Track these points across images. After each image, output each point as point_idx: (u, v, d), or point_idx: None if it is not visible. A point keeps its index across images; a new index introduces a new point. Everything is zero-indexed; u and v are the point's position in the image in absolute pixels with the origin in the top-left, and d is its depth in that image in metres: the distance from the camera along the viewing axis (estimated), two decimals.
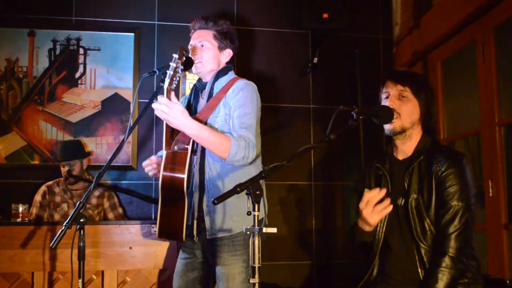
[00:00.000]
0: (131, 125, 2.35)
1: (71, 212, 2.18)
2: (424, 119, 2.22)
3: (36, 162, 3.83)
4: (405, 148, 2.24)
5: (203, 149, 2.41)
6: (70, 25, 3.92)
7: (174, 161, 2.34)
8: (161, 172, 2.34)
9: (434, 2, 3.69)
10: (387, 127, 2.21)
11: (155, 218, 2.97)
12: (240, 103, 2.38)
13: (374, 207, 2.06)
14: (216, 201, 1.81)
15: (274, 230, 1.83)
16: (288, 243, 3.95)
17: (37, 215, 3.60)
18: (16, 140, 3.81)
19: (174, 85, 2.22)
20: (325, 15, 3.76)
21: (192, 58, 2.44)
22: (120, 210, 3.77)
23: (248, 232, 1.83)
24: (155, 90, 2.36)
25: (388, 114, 2.16)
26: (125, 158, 3.89)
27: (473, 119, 3.35)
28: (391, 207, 2.06)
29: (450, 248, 2.01)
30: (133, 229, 2.93)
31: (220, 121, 2.43)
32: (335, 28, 3.88)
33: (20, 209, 3.11)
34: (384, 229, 2.19)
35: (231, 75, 2.55)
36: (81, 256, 2.18)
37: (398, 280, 2.16)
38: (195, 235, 2.44)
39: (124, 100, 3.95)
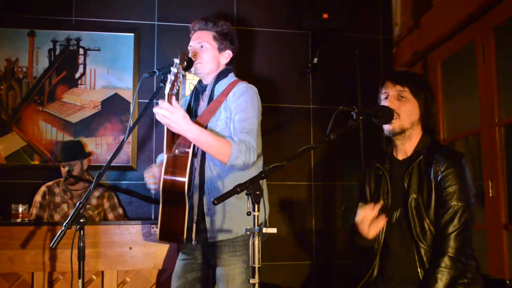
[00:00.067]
0: (131, 125, 2.35)
1: (71, 212, 2.18)
2: (423, 119, 2.22)
3: (36, 162, 3.83)
4: (405, 148, 2.24)
5: (204, 152, 2.41)
6: (70, 25, 3.92)
7: (175, 165, 2.35)
8: (162, 176, 2.35)
9: (434, 2, 3.69)
10: (386, 127, 2.21)
11: (155, 219, 2.98)
12: (241, 107, 2.38)
13: (370, 223, 2.06)
14: (216, 201, 1.81)
15: (274, 230, 1.83)
16: (288, 243, 3.95)
17: (37, 216, 3.60)
18: (16, 140, 3.81)
19: (175, 90, 2.22)
20: (325, 15, 3.76)
21: (193, 59, 2.44)
22: (120, 210, 3.76)
23: (248, 233, 1.83)
24: (155, 90, 2.36)
25: (388, 114, 2.16)
26: (125, 158, 3.89)
27: (473, 119, 3.35)
28: (385, 220, 2.07)
29: (449, 248, 2.01)
30: (133, 230, 2.93)
31: (221, 124, 2.43)
32: (335, 28, 3.88)
33: (20, 209, 3.11)
34: (384, 230, 2.19)
35: (231, 77, 2.55)
36: (81, 257, 2.18)
37: (398, 280, 2.16)
38: (193, 238, 2.43)
39: (124, 101, 3.95)
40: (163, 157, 2.44)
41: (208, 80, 2.54)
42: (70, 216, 2.14)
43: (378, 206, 2.06)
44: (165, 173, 2.35)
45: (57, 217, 3.62)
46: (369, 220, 2.06)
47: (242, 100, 2.40)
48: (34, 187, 3.70)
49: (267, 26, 4.13)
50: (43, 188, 3.67)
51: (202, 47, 2.50)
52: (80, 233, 2.18)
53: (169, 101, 2.19)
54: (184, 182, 2.32)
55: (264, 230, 1.80)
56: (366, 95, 3.75)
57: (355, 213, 2.16)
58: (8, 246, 2.82)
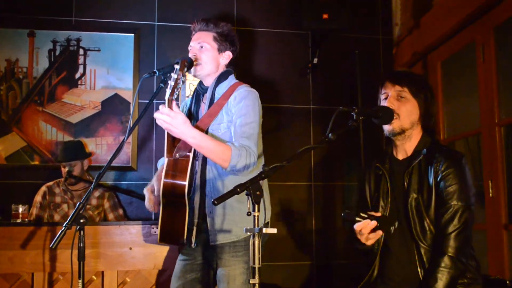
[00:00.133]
0: (131, 125, 2.36)
1: (71, 212, 2.18)
2: (423, 119, 2.22)
3: (36, 162, 3.83)
4: (405, 148, 2.24)
5: None
6: (70, 25, 3.92)
7: (175, 168, 2.35)
8: (162, 179, 2.36)
9: (434, 2, 3.69)
10: (386, 128, 2.21)
11: (155, 219, 2.98)
12: (242, 111, 2.39)
13: (368, 235, 2.05)
14: (216, 202, 1.81)
15: (274, 230, 1.83)
16: (288, 243, 3.95)
17: (37, 216, 3.60)
18: (16, 141, 3.81)
19: (176, 95, 2.23)
20: (325, 16, 3.76)
21: (193, 60, 2.44)
22: (120, 211, 3.77)
23: (248, 233, 1.83)
24: (155, 90, 2.36)
25: (388, 114, 2.16)
26: (125, 158, 3.89)
27: (473, 119, 3.35)
28: (381, 233, 2.05)
29: (449, 248, 2.01)
30: (133, 230, 2.93)
31: (223, 128, 2.43)
32: (335, 29, 3.88)
33: (20, 209, 3.11)
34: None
35: (231, 79, 2.55)
36: (81, 257, 2.19)
37: (398, 280, 2.16)
38: (193, 241, 2.43)
39: (124, 101, 3.95)
40: (163, 161, 2.44)
41: (208, 82, 2.54)
42: (70, 217, 2.15)
43: (374, 223, 2.03)
44: (166, 176, 2.35)
45: (57, 217, 3.62)
46: (366, 233, 2.05)
47: (243, 105, 2.40)
48: (34, 187, 3.70)
49: (267, 27, 4.13)
50: (43, 188, 3.67)
51: (202, 47, 2.50)
52: (80, 233, 2.18)
53: (170, 106, 2.20)
54: (184, 186, 2.32)
55: (264, 230, 1.80)
56: (366, 95, 3.75)
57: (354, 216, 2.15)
58: (8, 247, 2.83)
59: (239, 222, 2.39)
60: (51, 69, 3.90)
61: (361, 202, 2.34)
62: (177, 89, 2.24)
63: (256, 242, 1.80)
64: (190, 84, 3.92)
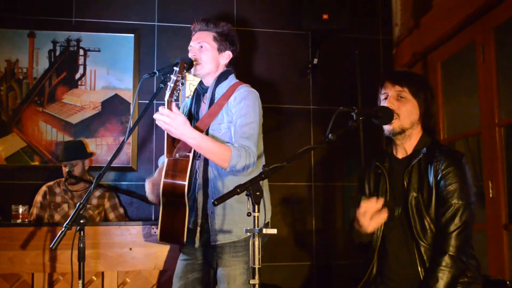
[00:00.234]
0: (131, 126, 2.36)
1: (72, 212, 2.18)
2: (423, 119, 2.22)
3: (36, 163, 3.83)
4: (405, 147, 2.24)
5: None
6: (70, 26, 3.92)
7: (175, 168, 2.36)
8: (162, 179, 2.36)
9: (434, 2, 3.69)
10: (386, 127, 2.21)
11: (156, 219, 2.98)
12: (242, 112, 2.39)
13: (371, 217, 2.06)
14: (216, 202, 1.81)
15: (274, 231, 1.83)
16: (288, 244, 3.95)
17: (37, 216, 3.61)
18: (16, 141, 3.81)
19: (175, 97, 2.24)
20: (325, 16, 3.76)
21: (193, 60, 2.44)
22: (121, 210, 3.77)
23: (248, 233, 1.83)
24: (155, 91, 2.36)
25: (388, 114, 2.16)
26: (125, 159, 3.89)
27: (473, 119, 3.35)
28: (386, 215, 2.06)
29: (450, 247, 2.00)
30: (134, 230, 2.93)
31: (224, 128, 2.43)
32: (335, 29, 3.88)
33: (20, 210, 3.11)
34: (382, 227, 2.20)
35: (231, 79, 2.55)
36: (81, 257, 2.19)
37: (397, 279, 2.16)
38: (196, 241, 2.44)
39: (124, 101, 3.95)
40: (164, 159, 2.45)
41: (208, 81, 2.54)
42: (70, 217, 2.15)
43: (381, 201, 2.06)
44: (166, 176, 2.36)
45: (57, 217, 3.62)
46: (371, 213, 2.06)
47: (244, 105, 2.40)
48: (34, 188, 3.70)
49: (267, 27, 4.13)
50: (44, 188, 3.67)
51: (201, 47, 2.50)
52: (80, 234, 2.18)
53: (169, 107, 2.20)
54: (184, 186, 2.33)
55: (265, 231, 1.80)
56: (366, 95, 3.75)
57: (355, 207, 2.15)
58: (8, 247, 2.83)
59: (239, 222, 2.39)
60: (51, 70, 3.90)
61: (364, 196, 2.34)
62: (177, 91, 2.24)
63: (256, 243, 1.80)
64: (190, 84, 3.92)
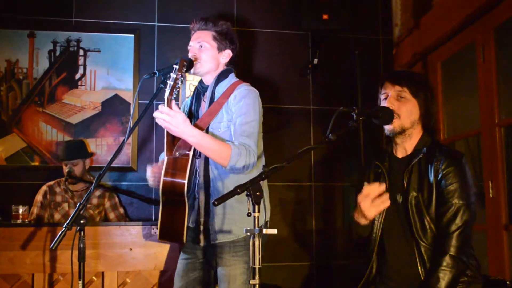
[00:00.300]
0: (131, 126, 2.36)
1: (72, 211, 2.18)
2: (424, 118, 2.22)
3: (36, 163, 3.83)
4: (405, 146, 2.24)
5: None
6: (70, 26, 3.92)
7: (175, 167, 2.35)
8: (162, 177, 2.36)
9: (434, 2, 3.69)
10: (387, 127, 2.21)
11: (156, 220, 2.98)
12: (242, 110, 2.39)
13: (372, 201, 2.06)
14: (216, 202, 1.81)
15: (274, 231, 1.83)
16: (288, 244, 3.95)
17: (38, 215, 3.61)
18: (16, 142, 3.81)
19: (175, 95, 2.23)
20: (325, 16, 3.76)
21: (193, 60, 2.44)
22: (121, 210, 3.77)
23: (248, 234, 1.83)
24: (155, 91, 2.36)
25: (388, 115, 2.16)
26: (125, 159, 3.89)
27: (473, 119, 3.35)
28: (388, 202, 2.06)
29: (451, 247, 2.00)
30: (134, 231, 2.93)
31: (224, 127, 2.43)
32: (335, 29, 3.88)
33: (20, 210, 3.11)
34: (381, 226, 2.20)
35: (231, 78, 2.55)
36: (81, 258, 2.19)
37: (397, 279, 2.16)
38: (201, 239, 2.44)
39: (124, 101, 3.95)
40: (164, 156, 2.45)
41: (208, 80, 2.54)
42: (70, 217, 2.15)
43: (384, 185, 2.05)
44: (165, 174, 2.36)
45: (57, 216, 3.62)
46: (373, 196, 2.05)
47: (244, 103, 2.40)
48: (34, 188, 3.70)
49: (267, 27, 4.13)
50: (44, 187, 3.68)
51: (201, 46, 2.50)
52: (80, 234, 2.19)
53: (169, 106, 2.20)
54: (183, 184, 2.32)
55: (265, 231, 1.80)
56: (366, 95, 3.75)
57: (353, 206, 2.15)
58: (8, 247, 2.83)
59: (239, 221, 2.39)
60: (51, 70, 3.90)
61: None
62: (176, 89, 2.24)
63: (256, 243, 1.80)
64: (190, 84, 3.92)
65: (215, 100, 2.47)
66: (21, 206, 3.12)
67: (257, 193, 1.80)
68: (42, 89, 3.87)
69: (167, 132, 2.32)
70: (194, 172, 2.47)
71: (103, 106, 3.93)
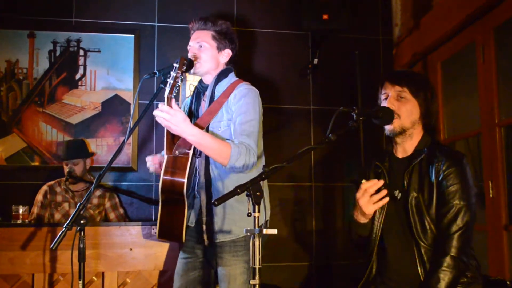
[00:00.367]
0: (131, 126, 2.36)
1: (73, 211, 2.18)
2: (424, 118, 2.22)
3: (36, 163, 3.83)
4: (405, 146, 2.24)
5: None
6: (70, 26, 3.92)
7: (174, 165, 2.36)
8: (162, 176, 2.36)
9: (434, 3, 3.69)
10: (387, 127, 2.21)
11: (156, 220, 2.98)
12: (242, 109, 2.39)
13: (371, 197, 2.06)
14: (216, 203, 1.81)
15: (274, 231, 1.83)
16: (288, 244, 3.95)
17: (38, 215, 3.61)
18: (16, 142, 3.82)
19: (175, 94, 2.24)
20: (325, 16, 3.76)
21: (193, 60, 2.44)
22: (121, 210, 3.77)
23: (248, 234, 1.83)
24: (155, 91, 2.37)
25: (388, 115, 2.16)
26: (125, 159, 3.89)
27: (473, 120, 3.35)
28: (387, 198, 2.06)
29: (452, 248, 2.00)
30: (134, 231, 2.93)
31: (224, 126, 2.43)
32: (335, 29, 3.88)
33: (20, 210, 3.11)
34: (381, 227, 2.20)
35: (231, 77, 2.55)
36: (82, 258, 2.19)
37: (397, 279, 2.16)
38: (205, 239, 2.44)
39: (124, 102, 3.95)
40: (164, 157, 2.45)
41: (208, 79, 2.54)
42: (70, 217, 2.15)
43: (382, 181, 2.05)
44: (165, 173, 2.36)
45: (58, 216, 3.62)
46: (371, 192, 2.05)
47: (243, 102, 2.40)
48: (35, 188, 3.70)
49: (267, 27, 4.13)
50: (45, 187, 3.68)
51: (201, 46, 2.50)
52: (80, 234, 2.19)
53: (169, 104, 2.20)
54: (183, 183, 2.33)
55: (265, 231, 1.80)
56: (366, 95, 3.72)
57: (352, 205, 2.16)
58: (8, 248, 2.83)
59: (239, 221, 2.39)
60: (51, 70, 3.90)
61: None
62: (176, 87, 2.24)
63: (257, 243, 1.80)
64: (190, 85, 3.92)
65: (215, 99, 2.47)
66: (21, 206, 3.12)
67: (257, 193, 1.81)
68: (42, 89, 3.87)
69: (167, 130, 2.32)
70: (194, 171, 2.47)
71: (103, 106, 3.93)
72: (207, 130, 2.43)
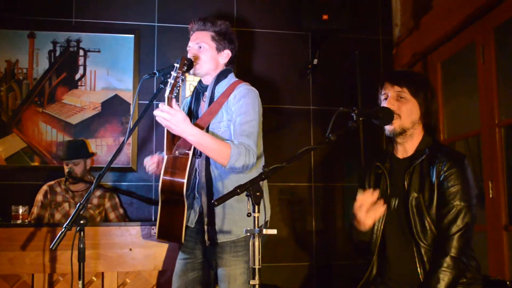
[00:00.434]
0: (131, 126, 2.36)
1: (73, 211, 2.18)
2: (424, 118, 2.22)
3: (36, 163, 3.83)
4: (406, 146, 2.24)
5: None
6: (70, 26, 3.92)
7: (174, 166, 2.35)
8: (161, 176, 2.36)
9: (434, 3, 3.69)
10: (387, 128, 2.21)
11: (155, 220, 2.98)
12: (242, 110, 2.39)
13: (368, 211, 2.06)
14: (216, 203, 1.81)
15: (274, 231, 1.83)
16: (288, 244, 3.94)
17: (38, 215, 3.61)
18: (16, 142, 3.81)
19: (175, 94, 2.24)
20: (325, 16, 3.76)
21: (192, 60, 2.44)
22: (121, 210, 3.77)
23: (248, 234, 1.83)
24: (155, 91, 2.36)
25: (388, 115, 2.16)
26: (125, 159, 3.89)
27: (473, 120, 3.35)
28: (383, 209, 2.07)
29: (452, 249, 2.00)
30: (133, 231, 2.93)
31: (223, 126, 2.43)
32: (335, 29, 3.88)
33: (20, 210, 3.11)
34: (382, 227, 2.20)
35: (231, 78, 2.55)
36: (81, 258, 2.19)
37: (397, 279, 2.15)
38: (207, 240, 2.44)
39: (124, 102, 3.95)
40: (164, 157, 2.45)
41: (207, 80, 2.54)
42: (70, 218, 2.15)
43: (377, 193, 2.06)
44: (165, 173, 2.36)
45: (58, 216, 3.62)
46: (367, 206, 2.06)
47: (243, 103, 2.40)
48: (34, 188, 3.70)
49: (267, 27, 4.13)
50: (45, 187, 3.68)
51: (200, 47, 2.50)
52: (80, 234, 2.19)
53: (169, 104, 2.20)
54: (183, 183, 2.32)
55: (264, 231, 1.80)
56: (366, 96, 3.75)
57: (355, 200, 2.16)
58: (8, 248, 2.82)
59: (239, 221, 2.39)
60: (51, 70, 3.90)
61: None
62: (177, 87, 2.25)
63: (256, 243, 1.80)
64: (190, 85, 3.92)
65: (214, 99, 2.47)
66: (21, 206, 3.12)
67: (257, 193, 1.80)
68: (42, 89, 3.87)
69: (167, 131, 2.32)
70: (194, 171, 2.47)
71: (103, 106, 3.93)
72: (207, 131, 2.43)
